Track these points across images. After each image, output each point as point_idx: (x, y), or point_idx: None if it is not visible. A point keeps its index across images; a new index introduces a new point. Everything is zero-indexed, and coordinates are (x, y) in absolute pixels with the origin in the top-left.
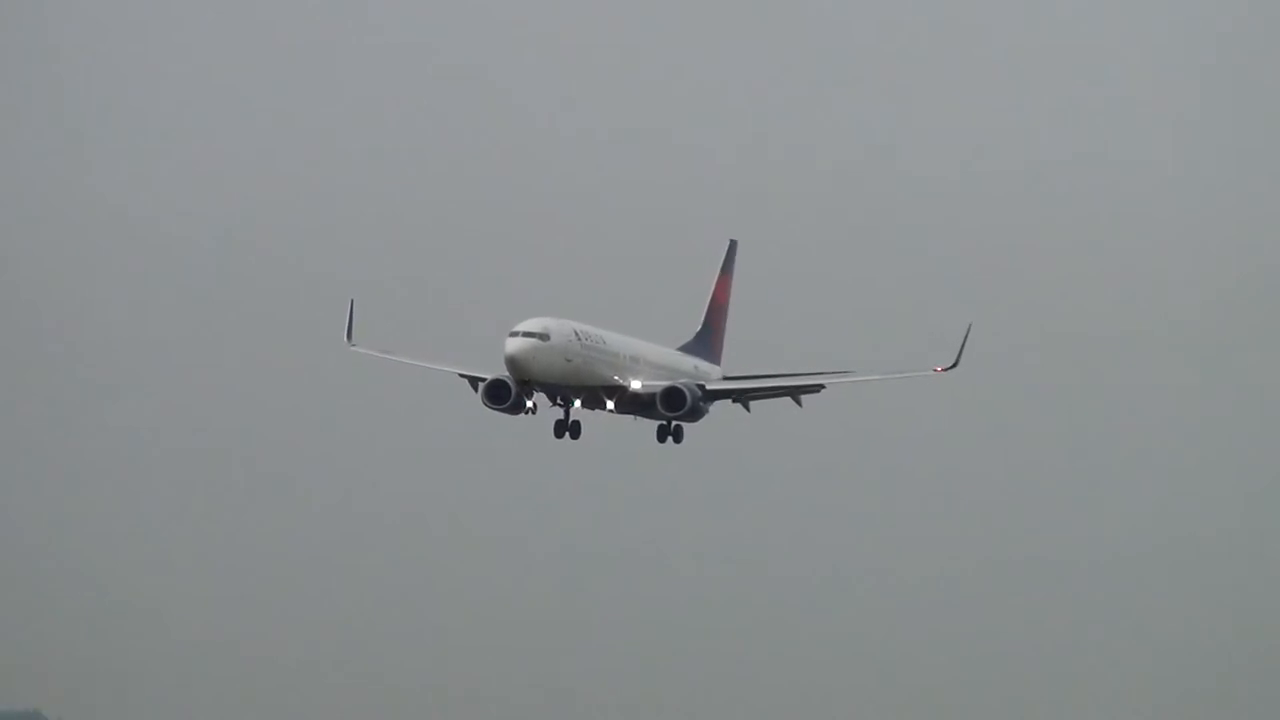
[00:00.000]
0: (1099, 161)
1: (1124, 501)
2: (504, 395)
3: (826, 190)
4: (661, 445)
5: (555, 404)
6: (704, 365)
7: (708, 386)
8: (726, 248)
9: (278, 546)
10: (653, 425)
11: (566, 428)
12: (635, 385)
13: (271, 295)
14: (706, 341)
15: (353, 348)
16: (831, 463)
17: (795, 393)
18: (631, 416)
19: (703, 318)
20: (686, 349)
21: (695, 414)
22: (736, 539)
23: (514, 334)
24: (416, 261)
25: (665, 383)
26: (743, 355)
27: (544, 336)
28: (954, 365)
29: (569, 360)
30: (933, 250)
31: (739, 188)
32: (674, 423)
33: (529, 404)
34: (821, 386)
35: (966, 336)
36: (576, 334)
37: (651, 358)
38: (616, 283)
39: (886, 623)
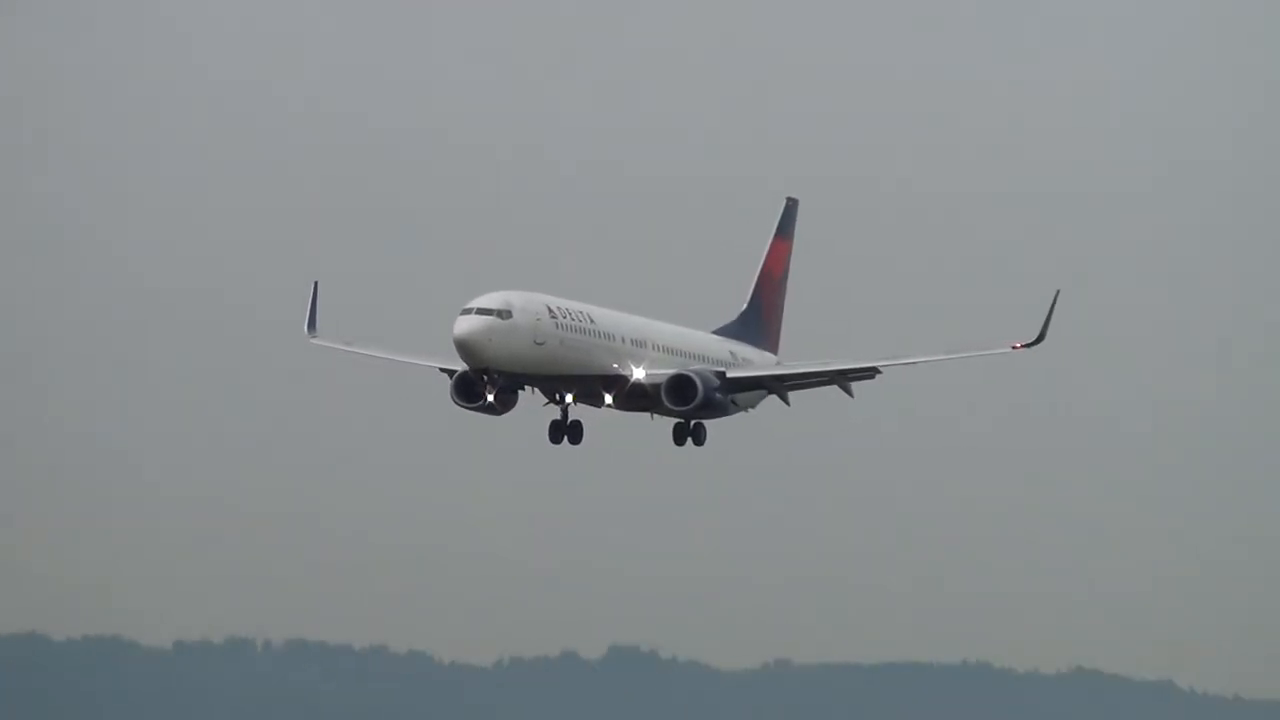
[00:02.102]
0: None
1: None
2: (479, 391)
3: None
4: (680, 448)
5: (554, 401)
6: (746, 351)
7: (729, 374)
8: (783, 208)
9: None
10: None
11: (565, 430)
12: (638, 374)
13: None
14: (755, 322)
15: (313, 340)
16: (890, 470)
17: (843, 380)
18: (648, 415)
19: (749, 294)
20: (726, 332)
21: (713, 408)
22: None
23: (465, 311)
24: (387, 243)
25: (671, 371)
26: (798, 342)
27: (504, 313)
28: (1038, 340)
29: (539, 343)
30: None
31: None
32: (692, 421)
33: (488, 398)
34: (875, 371)
35: (1054, 306)
36: (551, 310)
37: (664, 340)
38: (629, 254)
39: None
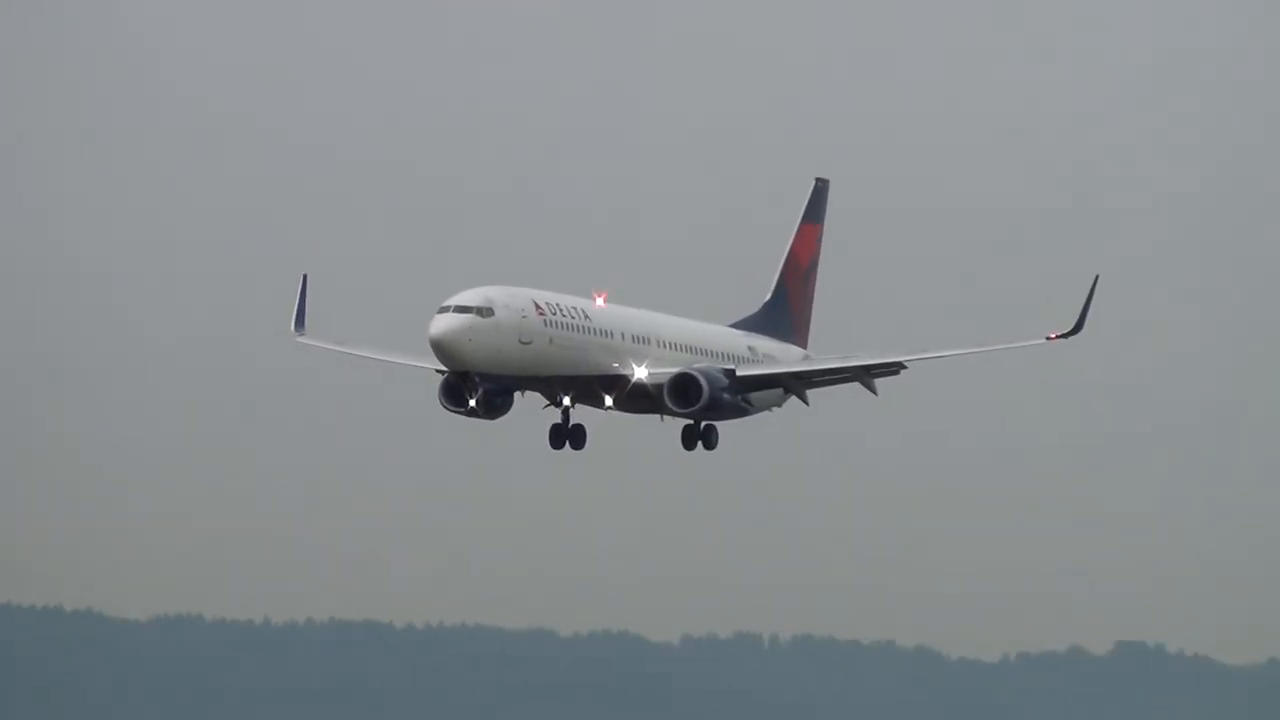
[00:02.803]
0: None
1: None
2: (460, 395)
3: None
4: (690, 453)
5: (555, 403)
6: (767, 345)
7: (739, 371)
8: (811, 189)
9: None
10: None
11: (566, 434)
12: (640, 373)
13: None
14: (779, 314)
15: (300, 339)
16: (915, 473)
17: (866, 376)
18: (658, 416)
19: (774, 283)
20: (747, 324)
21: (722, 409)
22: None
23: (442, 309)
24: (380, 236)
25: (674, 369)
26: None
27: (484, 311)
28: (1075, 330)
29: (526, 342)
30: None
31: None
32: (703, 423)
33: (472, 401)
34: (901, 366)
35: (1092, 293)
36: (538, 306)
37: (670, 335)
38: (644, 245)
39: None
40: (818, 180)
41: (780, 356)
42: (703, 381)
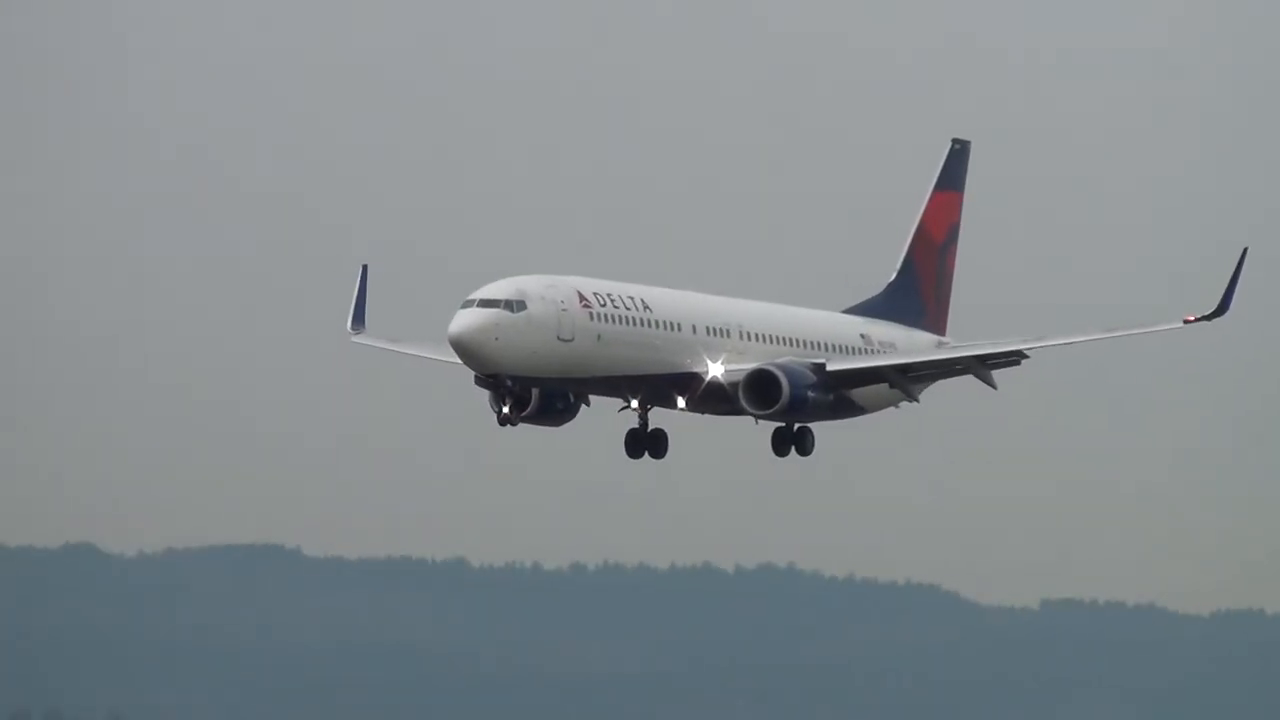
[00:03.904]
0: None
1: None
2: (524, 399)
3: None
4: (782, 459)
5: (631, 406)
6: (889, 332)
7: (831, 367)
8: (946, 153)
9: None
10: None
11: (644, 442)
12: (715, 370)
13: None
14: (907, 296)
15: (355, 338)
16: (1042, 479)
17: (982, 367)
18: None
19: (900, 260)
20: (867, 309)
21: (811, 409)
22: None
23: (466, 304)
24: (445, 230)
25: (751, 365)
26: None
27: (515, 304)
28: (1219, 312)
29: (567, 339)
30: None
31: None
32: (796, 425)
33: (504, 408)
34: (1021, 355)
35: (1239, 269)
36: (582, 297)
37: (756, 324)
38: (747, 223)
39: None
40: (955, 142)
41: (904, 345)
42: (782, 378)
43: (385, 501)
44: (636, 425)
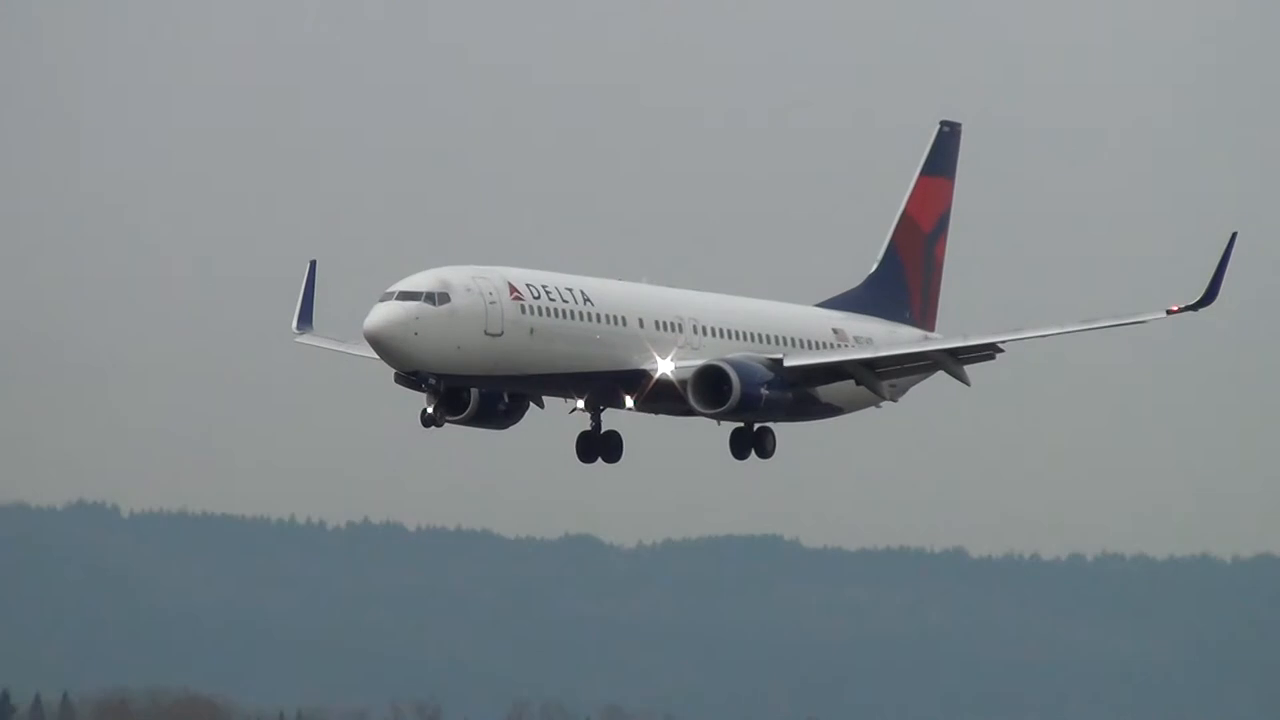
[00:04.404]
0: None
1: None
2: (464, 399)
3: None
4: (741, 461)
5: (577, 407)
6: (868, 327)
7: (789, 362)
8: (934, 136)
9: None
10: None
11: (596, 445)
12: (664, 367)
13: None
14: (890, 289)
15: (300, 339)
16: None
17: (953, 363)
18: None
19: (882, 251)
20: (844, 302)
21: (764, 408)
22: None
23: (385, 297)
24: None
25: (700, 361)
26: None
27: (437, 297)
28: (1204, 301)
29: (495, 334)
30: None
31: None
32: (755, 426)
33: (429, 408)
34: (996, 349)
35: (1227, 255)
36: (513, 288)
37: (712, 318)
38: (716, 214)
39: None
40: (943, 124)
41: (883, 341)
42: (733, 375)
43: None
44: (589, 427)
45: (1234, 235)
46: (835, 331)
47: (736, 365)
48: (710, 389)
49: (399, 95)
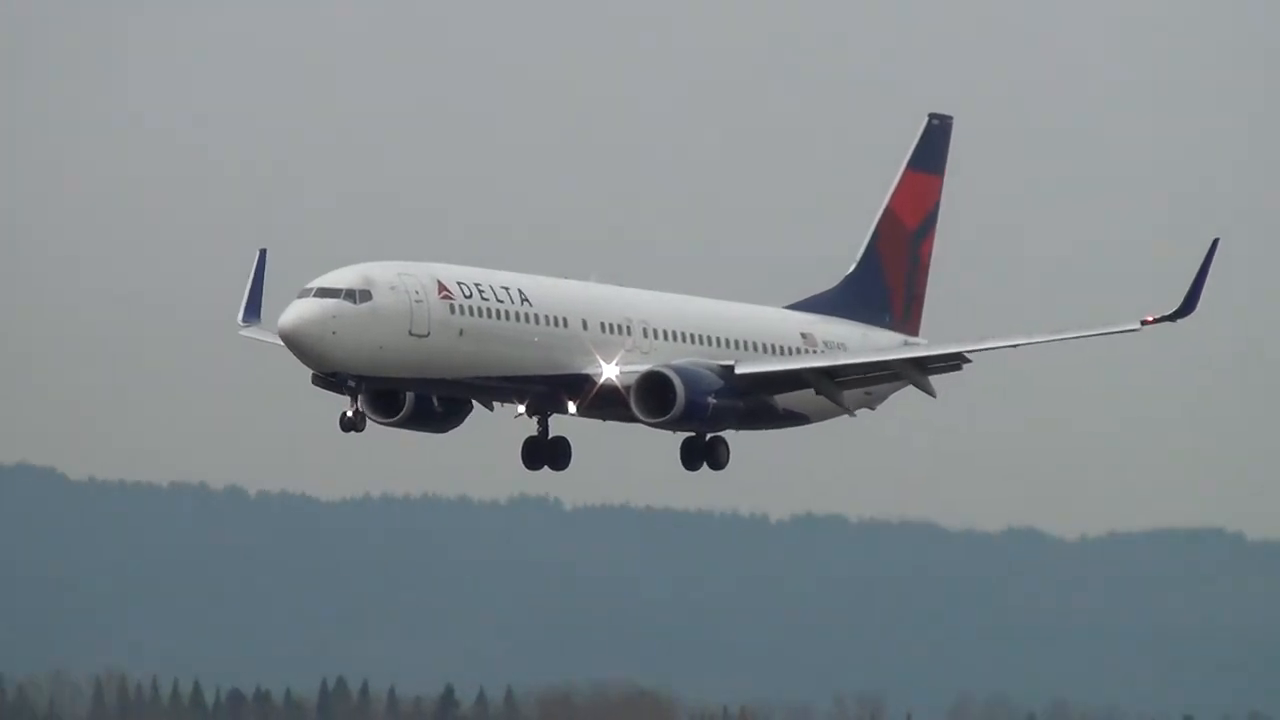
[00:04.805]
0: None
1: None
2: (399, 400)
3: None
4: (693, 473)
5: (519, 412)
6: (841, 330)
7: (741, 369)
8: (923, 129)
9: None
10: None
11: (543, 451)
12: (609, 372)
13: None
14: (868, 290)
15: (244, 332)
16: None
17: (918, 372)
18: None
19: (861, 250)
20: (816, 305)
21: (710, 417)
22: None
23: (304, 293)
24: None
25: (644, 366)
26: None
27: (358, 294)
28: (1182, 312)
29: (421, 334)
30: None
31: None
32: (708, 435)
33: (349, 411)
34: (963, 359)
35: (1207, 263)
36: (442, 286)
37: (664, 319)
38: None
39: None
40: (933, 117)
41: (858, 347)
42: (677, 381)
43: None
44: (535, 432)
45: (1215, 241)
46: (804, 336)
47: (682, 371)
48: (654, 396)
49: (370, 78)
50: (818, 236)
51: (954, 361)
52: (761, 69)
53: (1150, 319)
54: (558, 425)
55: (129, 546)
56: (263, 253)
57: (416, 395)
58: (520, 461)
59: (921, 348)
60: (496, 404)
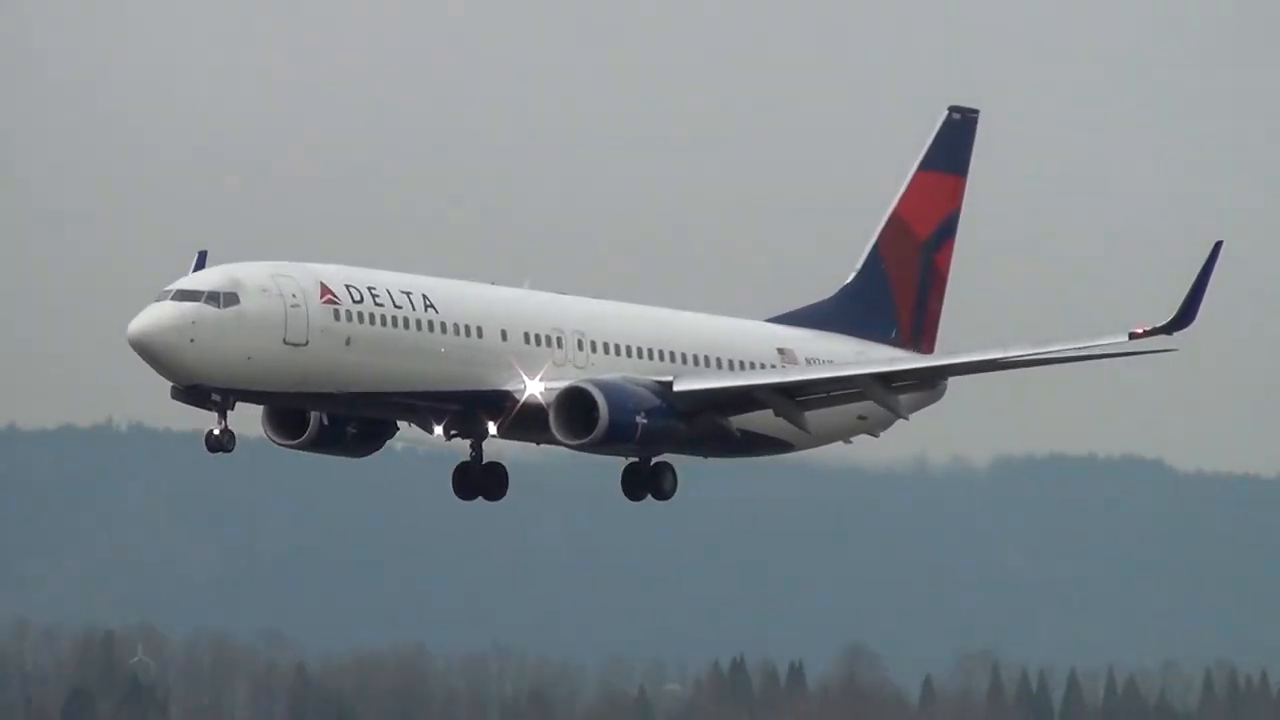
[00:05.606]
0: None
1: None
2: (296, 421)
3: None
4: (636, 503)
5: (434, 434)
6: (831, 345)
7: (679, 386)
8: (940, 123)
9: None
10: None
11: (476, 479)
12: (533, 389)
13: None
14: (871, 302)
15: None
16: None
17: (882, 390)
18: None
19: (862, 259)
20: (804, 318)
21: (637, 439)
22: None
23: (161, 296)
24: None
25: (566, 382)
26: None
27: (223, 297)
28: (1177, 323)
29: (298, 343)
30: None
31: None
32: (653, 461)
33: (215, 430)
34: (939, 377)
35: (1207, 271)
36: (325, 289)
37: (604, 331)
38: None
39: None
40: (953, 110)
41: (849, 365)
42: (600, 399)
43: None
44: (468, 458)
45: (1218, 245)
46: (781, 352)
47: (605, 387)
48: (575, 415)
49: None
50: (816, 241)
51: (928, 378)
52: (756, 62)
53: (1140, 330)
54: (493, 450)
55: None
56: (202, 254)
57: (326, 415)
58: (452, 489)
59: (885, 363)
60: (403, 424)
